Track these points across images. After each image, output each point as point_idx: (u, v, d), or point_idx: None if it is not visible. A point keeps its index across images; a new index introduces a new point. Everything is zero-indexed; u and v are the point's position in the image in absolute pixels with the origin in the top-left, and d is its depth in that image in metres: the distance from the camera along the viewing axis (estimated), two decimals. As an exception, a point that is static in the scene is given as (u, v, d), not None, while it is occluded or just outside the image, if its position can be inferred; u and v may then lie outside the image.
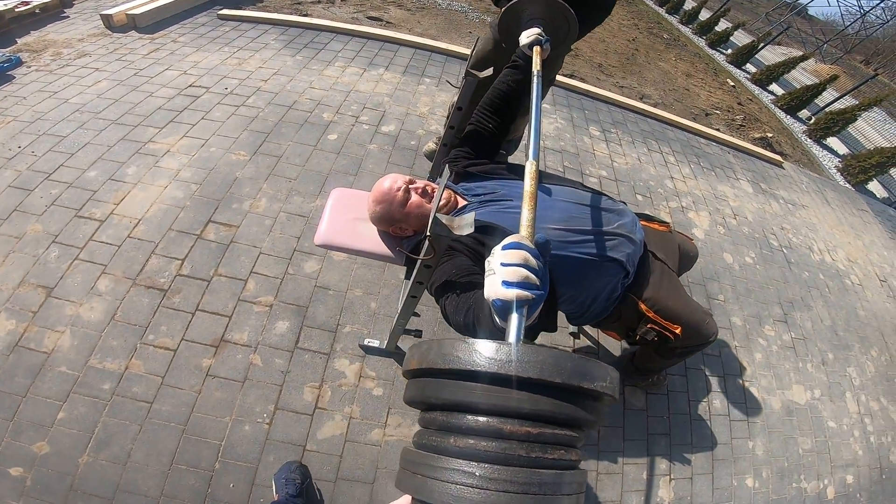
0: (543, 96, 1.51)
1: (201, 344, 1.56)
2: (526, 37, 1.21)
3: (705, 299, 2.38)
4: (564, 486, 0.39)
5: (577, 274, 1.21)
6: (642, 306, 1.29)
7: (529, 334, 0.63)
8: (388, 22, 3.76)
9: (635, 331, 1.33)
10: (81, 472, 1.26)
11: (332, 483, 1.43)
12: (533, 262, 0.55)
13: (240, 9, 3.37)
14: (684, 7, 9.61)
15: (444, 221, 0.73)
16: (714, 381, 2.10)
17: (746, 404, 2.09)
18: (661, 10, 9.36)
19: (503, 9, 1.32)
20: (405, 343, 1.69)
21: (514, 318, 0.52)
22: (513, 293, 0.53)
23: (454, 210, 1.26)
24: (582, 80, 3.78)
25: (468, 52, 2.26)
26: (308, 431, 1.49)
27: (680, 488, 1.78)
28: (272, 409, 1.50)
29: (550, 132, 2.98)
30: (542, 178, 1.32)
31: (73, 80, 2.48)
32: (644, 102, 3.94)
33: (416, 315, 1.45)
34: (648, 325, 1.30)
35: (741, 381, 2.15)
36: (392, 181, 1.29)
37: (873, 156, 4.77)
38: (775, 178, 3.88)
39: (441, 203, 1.22)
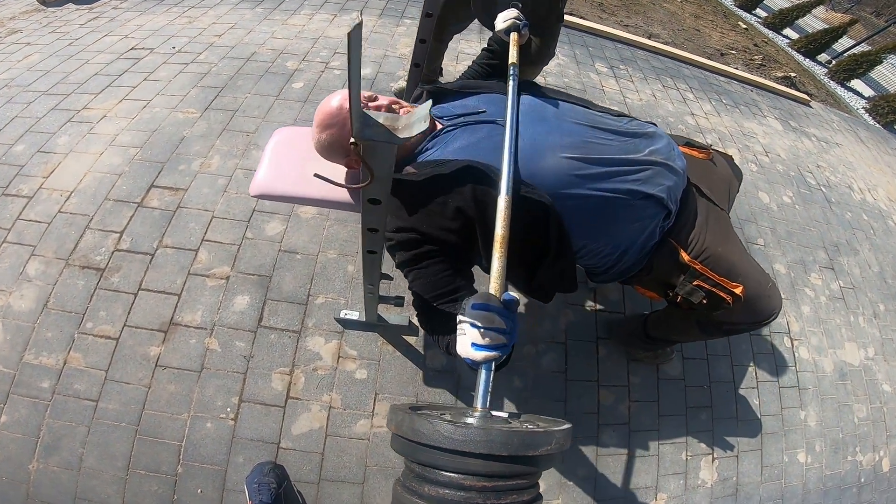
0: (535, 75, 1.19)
1: (147, 329, 1.31)
2: (502, 21, 1.05)
3: (744, 243, 2.05)
4: None
5: (600, 219, 0.88)
6: (684, 256, 0.95)
7: (504, 363, 0.66)
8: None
9: (674, 287, 0.98)
10: (35, 479, 1.14)
11: (315, 485, 1.20)
12: (501, 322, 0.58)
13: None
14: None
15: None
16: (758, 340, 1.79)
17: (796, 367, 1.79)
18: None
19: None
20: (390, 314, 1.40)
21: (482, 379, 0.59)
22: (481, 356, 0.58)
23: (430, 134, 0.91)
24: (582, 17, 3.37)
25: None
26: (281, 426, 1.24)
27: (724, 468, 1.51)
28: (236, 402, 1.25)
29: (552, 68, 2.61)
30: (540, 92, 0.97)
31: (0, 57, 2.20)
32: (653, 41, 3.54)
33: (388, 278, 1.13)
34: (695, 282, 0.95)
35: (789, 340, 1.85)
36: (342, 98, 0.91)
37: (904, 94, 4.40)
38: (804, 116, 3.50)
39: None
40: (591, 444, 1.42)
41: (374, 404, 1.30)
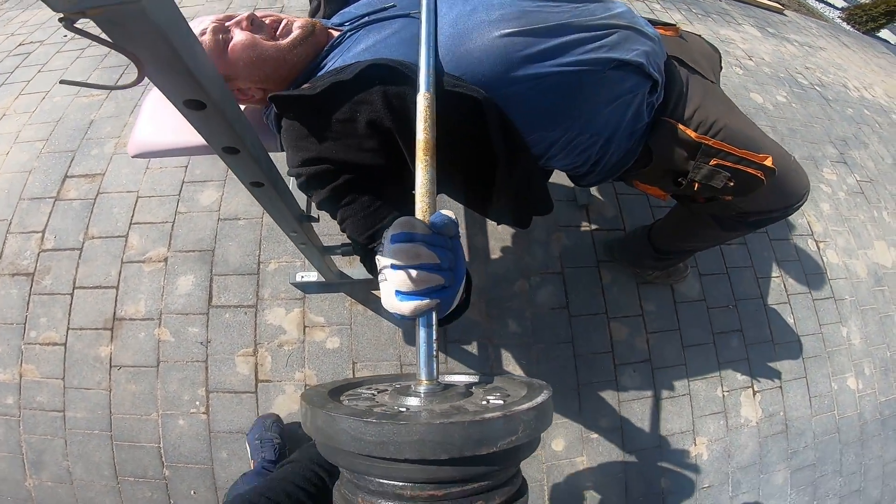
0: None
1: (92, 329, 1.21)
2: None
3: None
4: None
5: (564, 99, 0.68)
6: (688, 132, 0.76)
7: (455, 314, 0.54)
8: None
9: (686, 173, 0.79)
10: (36, 495, 1.14)
11: None
12: (431, 256, 0.42)
13: None
14: None
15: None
16: (782, 246, 1.65)
17: (827, 274, 1.66)
18: None
19: None
20: (353, 268, 1.23)
21: (421, 339, 0.45)
22: (409, 307, 0.43)
23: (325, 47, 0.73)
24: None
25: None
26: (257, 413, 1.12)
27: (768, 402, 1.38)
28: (203, 394, 1.13)
29: None
30: None
31: None
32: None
33: (313, 219, 0.95)
34: (713, 162, 0.76)
35: (814, 243, 1.72)
36: (197, 26, 0.72)
37: (879, 4, 4.33)
38: (780, 23, 3.37)
39: (294, 37, 0.71)
40: (610, 389, 1.28)
41: (354, 374, 1.15)
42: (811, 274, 1.63)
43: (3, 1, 2.42)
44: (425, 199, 0.48)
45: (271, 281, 1.24)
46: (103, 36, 0.30)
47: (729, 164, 0.76)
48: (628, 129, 0.76)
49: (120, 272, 1.24)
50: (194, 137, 0.79)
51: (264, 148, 0.62)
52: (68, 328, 1.20)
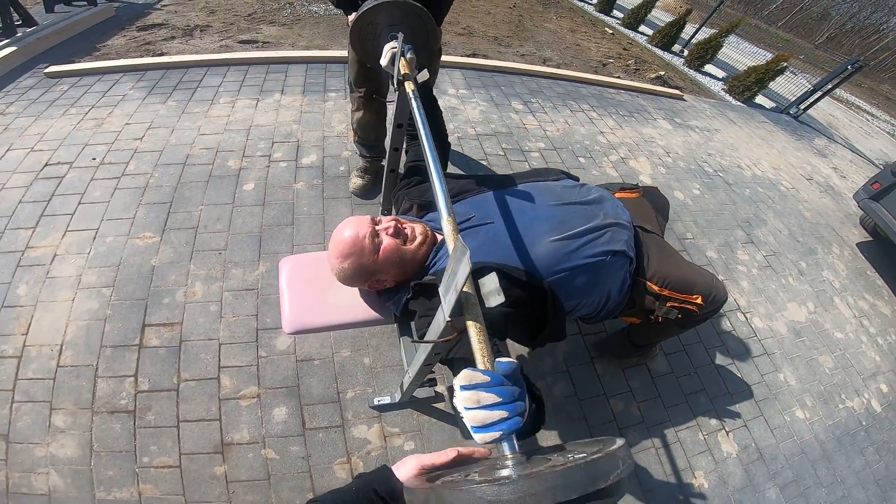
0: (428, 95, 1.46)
1: (204, 454, 1.47)
2: (384, 57, 1.25)
3: (677, 241, 2.67)
4: None
5: (590, 279, 1.23)
6: (653, 287, 1.36)
7: (531, 430, 0.79)
8: (264, 42, 3.61)
9: (654, 313, 1.41)
10: None
11: None
12: (492, 397, 0.58)
13: (70, 62, 3.00)
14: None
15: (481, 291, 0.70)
16: (717, 321, 2.36)
17: (758, 337, 2.38)
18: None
19: (350, 27, 1.37)
20: (418, 390, 1.67)
21: (506, 450, 0.58)
22: (480, 438, 0.57)
23: (434, 246, 1.22)
24: (485, 56, 3.97)
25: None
26: None
27: (740, 438, 1.97)
28: (312, 497, 1.41)
29: (476, 117, 3.11)
30: (509, 182, 1.36)
31: None
32: (548, 66, 4.25)
33: (432, 373, 1.43)
34: (668, 305, 1.38)
35: (742, 315, 2.45)
36: (355, 228, 1.15)
37: (750, 74, 5.67)
38: (683, 110, 4.44)
39: (419, 241, 1.19)
40: None
41: None
42: (745, 338, 2.33)
43: (6, 107, 2.54)
44: (483, 350, 0.64)
45: (351, 405, 1.63)
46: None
47: (677, 305, 1.38)
48: (619, 289, 1.33)
49: (220, 407, 1.54)
50: (344, 318, 1.26)
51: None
52: (180, 454, 1.45)
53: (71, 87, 2.76)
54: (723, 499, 1.78)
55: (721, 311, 2.36)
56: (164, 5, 4.31)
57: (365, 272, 1.18)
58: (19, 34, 3.19)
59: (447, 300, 0.68)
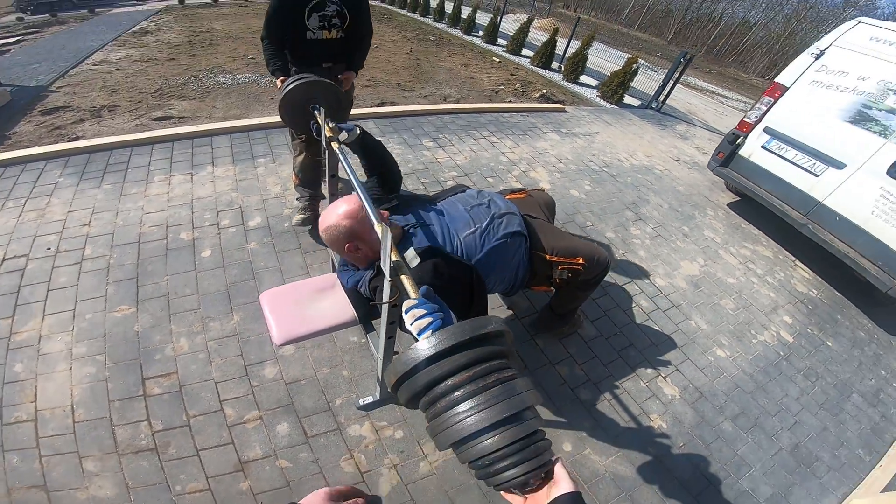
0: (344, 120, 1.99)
1: (227, 474, 1.69)
2: (313, 130, 1.77)
3: (579, 229, 3.28)
4: (517, 388, 0.77)
5: (500, 257, 1.74)
6: (546, 256, 1.87)
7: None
8: (179, 117, 3.85)
9: (552, 277, 1.91)
10: None
11: None
12: (420, 311, 0.97)
13: None
14: (431, 6, 11.54)
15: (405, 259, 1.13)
16: (629, 288, 2.93)
17: (663, 293, 2.96)
18: (416, 16, 11.07)
19: (279, 105, 1.87)
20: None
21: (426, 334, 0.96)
22: (423, 336, 0.95)
23: (401, 239, 1.68)
24: (392, 103, 4.51)
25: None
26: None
27: (677, 381, 2.40)
28: None
29: (399, 158, 3.57)
30: (435, 199, 1.86)
31: None
32: (448, 102, 4.88)
33: (396, 353, 1.81)
34: (560, 268, 1.89)
35: (647, 279, 3.04)
36: (358, 201, 1.56)
37: (613, 80, 6.72)
38: (566, 121, 5.25)
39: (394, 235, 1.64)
40: (579, 407, 2.14)
41: (422, 448, 1.90)
42: (653, 296, 2.90)
43: None
44: (411, 287, 1.04)
45: (342, 410, 1.94)
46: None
47: (566, 266, 1.89)
48: (522, 263, 1.84)
49: (230, 432, 1.79)
50: (322, 324, 1.67)
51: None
52: (207, 477, 1.65)
53: (-3, 180, 2.85)
54: (684, 436, 2.12)
55: (628, 278, 2.97)
56: (59, 87, 4.41)
57: (354, 235, 1.55)
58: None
59: (386, 267, 1.10)
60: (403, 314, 1.02)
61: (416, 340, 0.93)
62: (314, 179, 2.64)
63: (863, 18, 3.51)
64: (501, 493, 0.86)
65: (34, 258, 2.36)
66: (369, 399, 1.98)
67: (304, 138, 2.46)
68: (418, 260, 1.09)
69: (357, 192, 1.45)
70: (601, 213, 3.57)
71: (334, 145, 1.68)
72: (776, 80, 3.78)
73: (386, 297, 1.19)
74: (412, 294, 1.05)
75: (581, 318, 2.53)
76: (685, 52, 6.57)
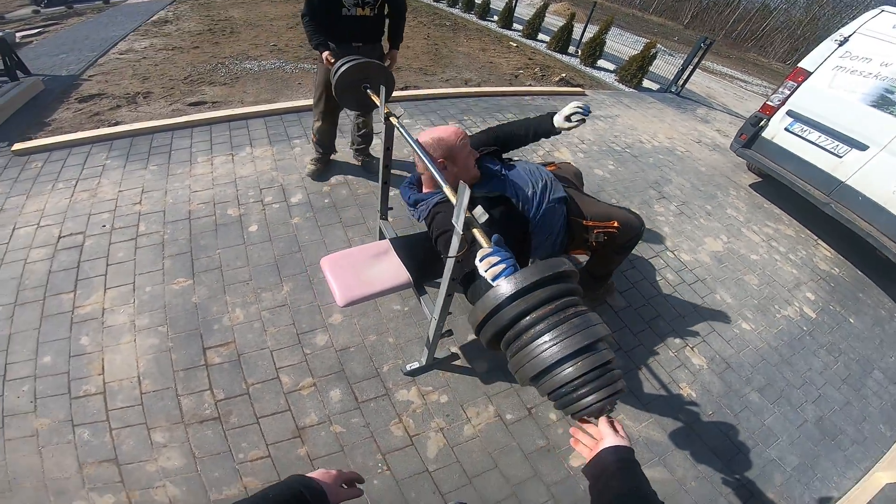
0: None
1: (286, 440, 1.80)
2: (386, 114, 1.87)
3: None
4: (590, 319, 0.94)
5: (548, 220, 1.86)
6: (583, 222, 1.98)
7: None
8: (213, 102, 3.96)
9: (588, 241, 2.01)
10: None
11: (469, 486, 1.77)
12: (495, 259, 1.08)
13: (28, 139, 3.19)
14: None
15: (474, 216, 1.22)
16: (655, 262, 3.01)
17: (688, 268, 3.04)
18: (430, 1, 11.01)
19: (335, 84, 2.02)
20: (440, 352, 2.14)
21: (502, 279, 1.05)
22: (498, 281, 1.03)
23: (478, 181, 1.85)
24: (416, 87, 4.56)
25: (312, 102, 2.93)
26: (420, 458, 1.83)
27: (704, 351, 2.50)
28: (381, 458, 1.81)
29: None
30: (509, 162, 2.00)
31: None
32: (470, 86, 4.92)
33: (449, 313, 1.91)
34: (595, 231, 1.98)
35: (671, 253, 3.12)
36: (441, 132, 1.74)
37: (632, 64, 6.69)
38: (588, 103, 5.25)
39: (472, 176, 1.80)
40: None
41: (465, 412, 2.02)
42: (678, 270, 2.98)
43: None
44: (483, 237, 1.15)
45: (389, 376, 2.06)
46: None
47: (601, 231, 1.98)
48: (563, 228, 1.94)
49: (286, 400, 1.90)
50: (379, 287, 1.85)
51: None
52: (267, 444, 1.74)
53: (45, 163, 2.98)
54: (712, 405, 2.21)
55: (654, 253, 3.04)
56: (90, 76, 4.51)
57: (451, 154, 1.69)
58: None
59: (459, 221, 1.18)
60: (478, 262, 1.10)
61: (489, 287, 1.04)
62: (329, 141, 3.01)
63: (886, 7, 3.55)
64: (578, 422, 0.97)
65: (90, 235, 2.48)
66: (415, 365, 2.09)
67: (323, 108, 2.77)
68: (487, 216, 1.15)
69: (422, 159, 1.54)
70: (625, 191, 3.63)
71: (393, 120, 1.78)
72: (799, 65, 3.84)
73: (454, 251, 1.28)
74: (485, 244, 1.13)
75: (613, 286, 2.61)
76: (705, 37, 6.52)
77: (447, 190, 1.37)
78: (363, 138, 3.13)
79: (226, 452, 1.73)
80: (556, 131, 2.02)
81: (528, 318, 0.94)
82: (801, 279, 3.23)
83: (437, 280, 2.36)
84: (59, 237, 2.46)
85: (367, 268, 1.82)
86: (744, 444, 2.10)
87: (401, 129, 1.74)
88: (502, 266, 1.07)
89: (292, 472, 1.63)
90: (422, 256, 1.97)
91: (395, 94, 4.27)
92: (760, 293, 2.99)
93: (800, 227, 3.89)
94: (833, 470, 2.09)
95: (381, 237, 2.35)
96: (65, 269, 2.29)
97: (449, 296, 1.55)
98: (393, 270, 1.85)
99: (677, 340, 2.52)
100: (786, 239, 3.66)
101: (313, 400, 1.93)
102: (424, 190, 1.86)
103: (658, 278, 2.90)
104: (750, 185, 4.39)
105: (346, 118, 3.44)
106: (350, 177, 3.19)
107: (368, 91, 1.99)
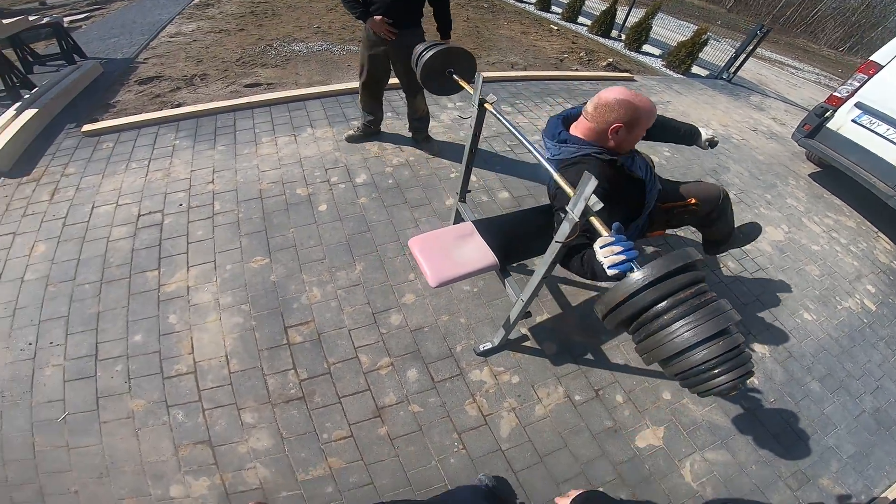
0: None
1: (366, 420, 1.84)
2: (480, 99, 1.85)
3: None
4: (722, 305, 0.98)
5: (650, 206, 1.88)
6: (660, 205, 1.96)
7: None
8: (268, 84, 4.01)
9: (669, 222, 2.01)
10: None
11: (541, 464, 1.81)
12: (617, 248, 1.09)
13: (94, 121, 3.30)
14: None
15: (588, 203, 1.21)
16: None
17: (749, 256, 2.99)
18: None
19: (422, 70, 2.03)
20: (511, 334, 2.16)
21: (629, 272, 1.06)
22: (615, 270, 1.08)
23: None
24: (466, 70, 4.54)
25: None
26: (494, 437, 1.87)
27: (766, 340, 2.48)
28: (457, 437, 1.85)
29: (489, 121, 3.65)
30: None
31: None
32: (517, 70, 4.86)
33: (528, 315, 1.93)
34: (676, 212, 1.98)
35: None
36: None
37: (681, 49, 6.47)
38: (637, 90, 5.09)
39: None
40: None
41: (536, 392, 2.04)
42: (740, 259, 2.93)
43: (63, 167, 2.82)
44: (603, 227, 1.14)
45: (463, 356, 2.09)
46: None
47: (681, 210, 1.97)
48: (649, 210, 1.91)
49: (366, 379, 1.96)
50: (468, 268, 1.87)
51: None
52: (349, 424, 1.80)
53: (116, 144, 3.08)
54: (774, 392, 2.22)
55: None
56: (145, 59, 4.60)
57: (633, 120, 1.56)
58: (27, 96, 3.41)
59: (576, 209, 1.17)
60: (598, 249, 1.11)
61: (604, 276, 1.10)
62: (374, 108, 3.11)
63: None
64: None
65: (168, 213, 2.57)
66: (488, 345, 2.12)
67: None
68: (601, 205, 1.14)
69: (526, 146, 1.57)
70: (682, 177, 3.53)
71: (487, 105, 1.78)
72: (871, 58, 3.72)
73: (563, 236, 1.28)
74: (604, 232, 1.14)
75: (736, 237, 2.46)
76: (761, 25, 6.24)
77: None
78: (420, 122, 3.14)
79: (311, 433, 1.78)
80: (698, 143, 2.11)
81: (663, 303, 0.99)
82: (861, 271, 3.16)
83: (520, 262, 2.42)
84: (139, 215, 2.55)
85: (454, 249, 1.84)
86: (803, 431, 2.10)
87: (499, 116, 1.73)
88: (623, 257, 1.08)
89: (373, 452, 1.77)
90: (505, 239, 1.98)
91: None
92: (822, 284, 2.94)
93: (860, 219, 3.78)
94: (886, 459, 2.08)
95: (458, 220, 2.37)
96: (147, 248, 2.37)
97: (544, 278, 1.56)
98: (479, 252, 1.87)
99: (740, 328, 2.50)
100: (846, 230, 3.56)
101: (391, 380, 1.98)
102: (578, 135, 1.67)
103: (720, 266, 2.86)
104: (809, 175, 4.25)
105: (402, 103, 3.44)
106: (411, 158, 3.21)
107: (455, 77, 1.98)
